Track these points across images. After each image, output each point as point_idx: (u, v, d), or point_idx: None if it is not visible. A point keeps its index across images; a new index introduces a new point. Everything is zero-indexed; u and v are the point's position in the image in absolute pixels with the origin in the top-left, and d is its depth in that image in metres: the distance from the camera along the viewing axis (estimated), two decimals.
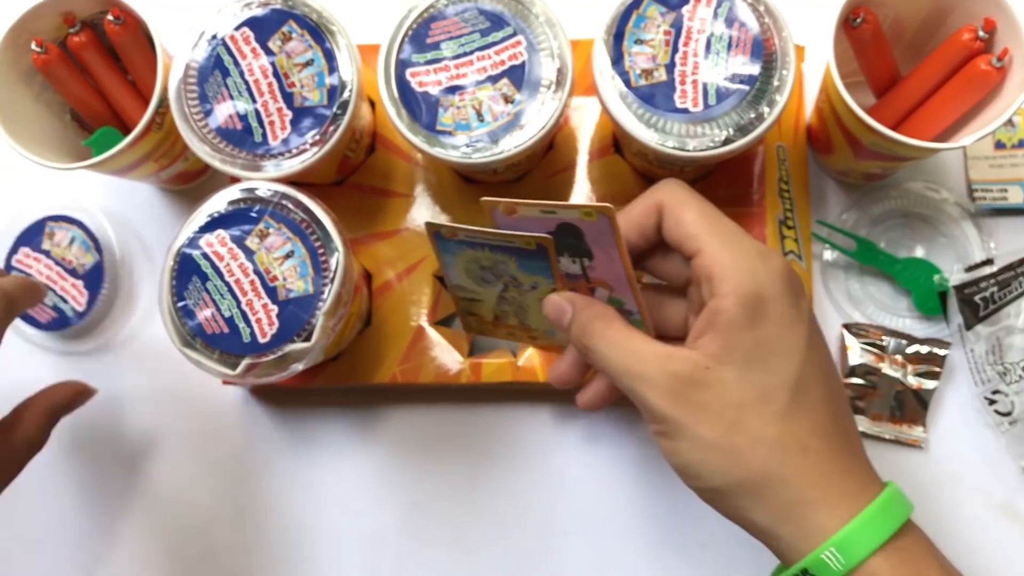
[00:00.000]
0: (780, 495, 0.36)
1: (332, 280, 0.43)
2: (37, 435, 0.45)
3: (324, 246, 0.43)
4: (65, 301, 0.56)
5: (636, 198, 0.39)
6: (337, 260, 0.43)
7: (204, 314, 0.43)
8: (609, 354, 0.38)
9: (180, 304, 0.43)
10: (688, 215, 0.38)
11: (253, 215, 0.44)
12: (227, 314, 0.43)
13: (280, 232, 0.43)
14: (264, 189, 0.44)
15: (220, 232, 0.44)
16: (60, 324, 0.57)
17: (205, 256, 0.44)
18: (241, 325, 0.43)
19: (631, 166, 0.53)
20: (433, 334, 0.52)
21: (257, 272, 0.43)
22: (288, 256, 0.43)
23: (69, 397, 0.48)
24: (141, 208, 0.60)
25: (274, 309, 0.43)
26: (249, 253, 0.43)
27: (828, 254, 0.55)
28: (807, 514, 0.35)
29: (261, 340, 0.43)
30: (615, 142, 0.53)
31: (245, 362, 0.43)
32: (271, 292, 0.43)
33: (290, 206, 0.44)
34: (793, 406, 0.36)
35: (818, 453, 0.36)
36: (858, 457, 0.38)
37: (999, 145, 0.55)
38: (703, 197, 0.39)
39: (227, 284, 0.43)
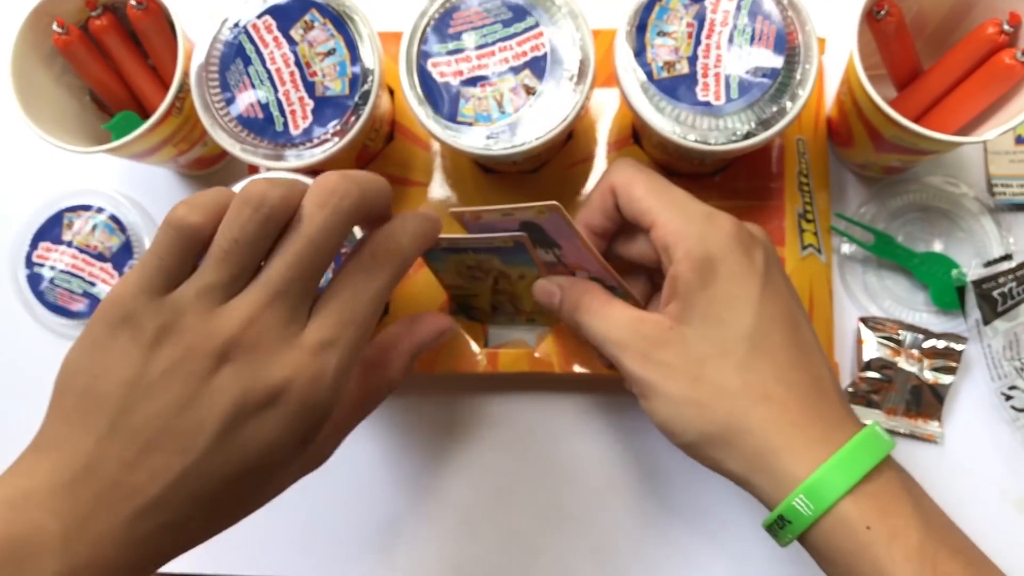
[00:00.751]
0: (747, 445, 0.37)
1: None
2: (399, 376, 0.41)
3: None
4: (94, 285, 0.56)
5: (594, 184, 0.41)
6: None
7: None
8: (592, 325, 0.41)
9: None
10: (637, 191, 0.40)
11: None
12: None
13: None
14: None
15: None
16: (92, 311, 0.56)
17: None
18: None
19: (650, 157, 0.53)
20: None
21: None
22: None
23: (434, 336, 0.42)
24: (157, 194, 0.59)
25: None
26: None
27: (846, 247, 0.54)
28: (775, 462, 0.36)
29: None
30: (634, 133, 0.53)
31: None
32: None
33: None
34: (752, 356, 0.37)
35: (781, 401, 0.37)
36: (830, 402, 0.38)
37: (1020, 140, 0.55)
38: (651, 171, 0.41)
39: None
